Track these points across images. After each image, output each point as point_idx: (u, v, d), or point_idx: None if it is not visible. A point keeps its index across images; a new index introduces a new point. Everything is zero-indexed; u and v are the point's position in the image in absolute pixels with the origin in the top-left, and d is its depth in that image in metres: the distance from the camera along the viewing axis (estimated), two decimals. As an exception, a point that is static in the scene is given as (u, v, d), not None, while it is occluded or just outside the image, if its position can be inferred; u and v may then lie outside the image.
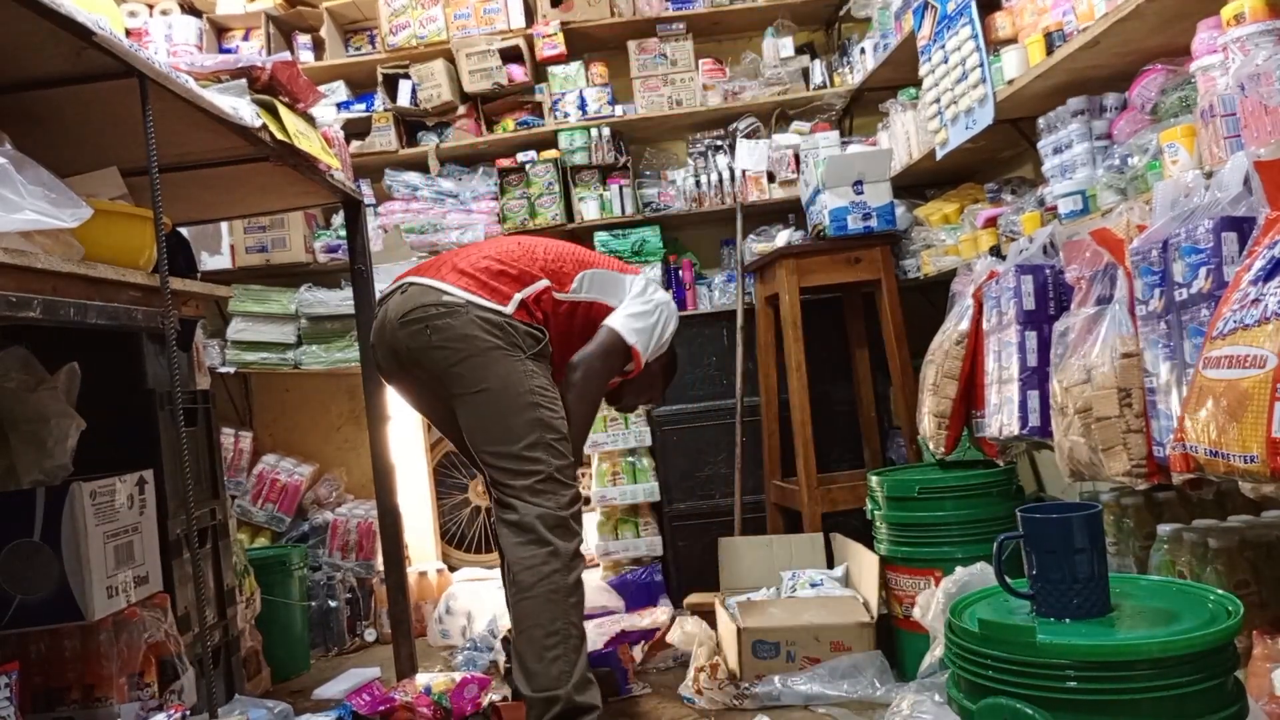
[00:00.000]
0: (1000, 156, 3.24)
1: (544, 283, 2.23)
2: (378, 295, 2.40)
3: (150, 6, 3.95)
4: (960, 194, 3.29)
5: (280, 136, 2.15)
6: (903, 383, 3.13)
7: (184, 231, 2.93)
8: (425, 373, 2.18)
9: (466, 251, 2.30)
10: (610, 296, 2.33)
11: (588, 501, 2.44)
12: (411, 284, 2.20)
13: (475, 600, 3.30)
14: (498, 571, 2.57)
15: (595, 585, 2.96)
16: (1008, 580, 1.39)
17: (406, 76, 3.86)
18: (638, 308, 2.32)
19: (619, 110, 3.87)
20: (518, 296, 2.18)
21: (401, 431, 3.51)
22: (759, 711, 2.26)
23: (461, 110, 3.89)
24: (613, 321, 2.28)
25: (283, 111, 2.21)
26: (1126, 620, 1.29)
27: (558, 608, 2.03)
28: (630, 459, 3.58)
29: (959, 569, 1.98)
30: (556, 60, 3.87)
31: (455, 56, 3.84)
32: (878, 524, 2.48)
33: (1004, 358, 2.16)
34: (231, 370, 3.70)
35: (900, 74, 3.38)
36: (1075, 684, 1.18)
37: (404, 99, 3.85)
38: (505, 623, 3.03)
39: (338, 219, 3.86)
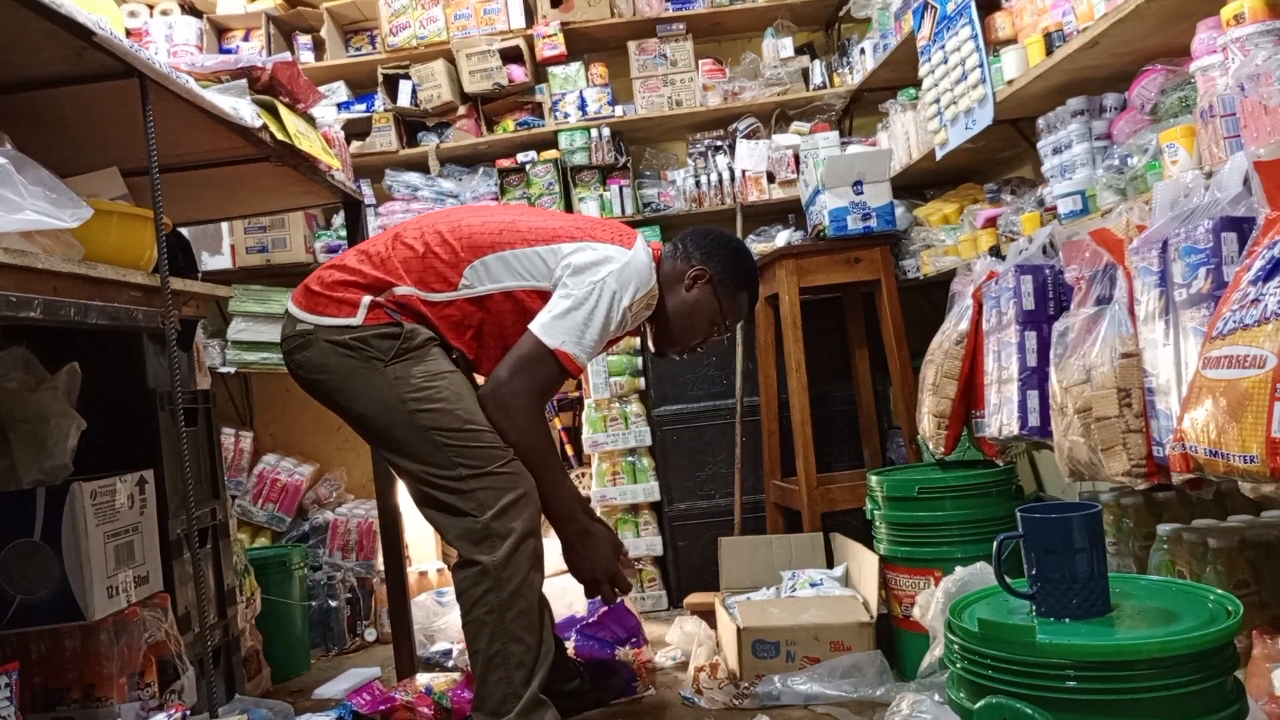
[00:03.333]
0: (1000, 157, 3.24)
1: (406, 289, 2.02)
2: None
3: (150, 7, 3.95)
4: (960, 194, 3.29)
5: (281, 137, 2.15)
6: (902, 383, 3.13)
7: (184, 231, 2.93)
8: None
9: (340, 256, 2.17)
10: (536, 279, 2.05)
11: (587, 501, 2.36)
12: (285, 310, 2.15)
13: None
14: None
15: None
16: (1007, 580, 1.39)
17: (407, 77, 3.86)
18: (560, 302, 2.00)
19: (619, 110, 3.87)
20: (366, 300, 2.01)
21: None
22: (759, 711, 2.26)
23: (462, 110, 3.89)
24: (533, 323, 2.00)
25: (283, 112, 2.21)
26: (1126, 620, 1.29)
27: (493, 630, 1.93)
28: (630, 459, 3.58)
29: (959, 569, 1.97)
30: (556, 60, 3.87)
31: (455, 57, 3.84)
32: (877, 524, 2.48)
33: (1003, 358, 2.16)
34: (232, 370, 3.69)
35: (900, 74, 3.38)
36: (1075, 684, 1.18)
37: (404, 99, 3.85)
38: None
39: (338, 219, 3.86)
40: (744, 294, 2.26)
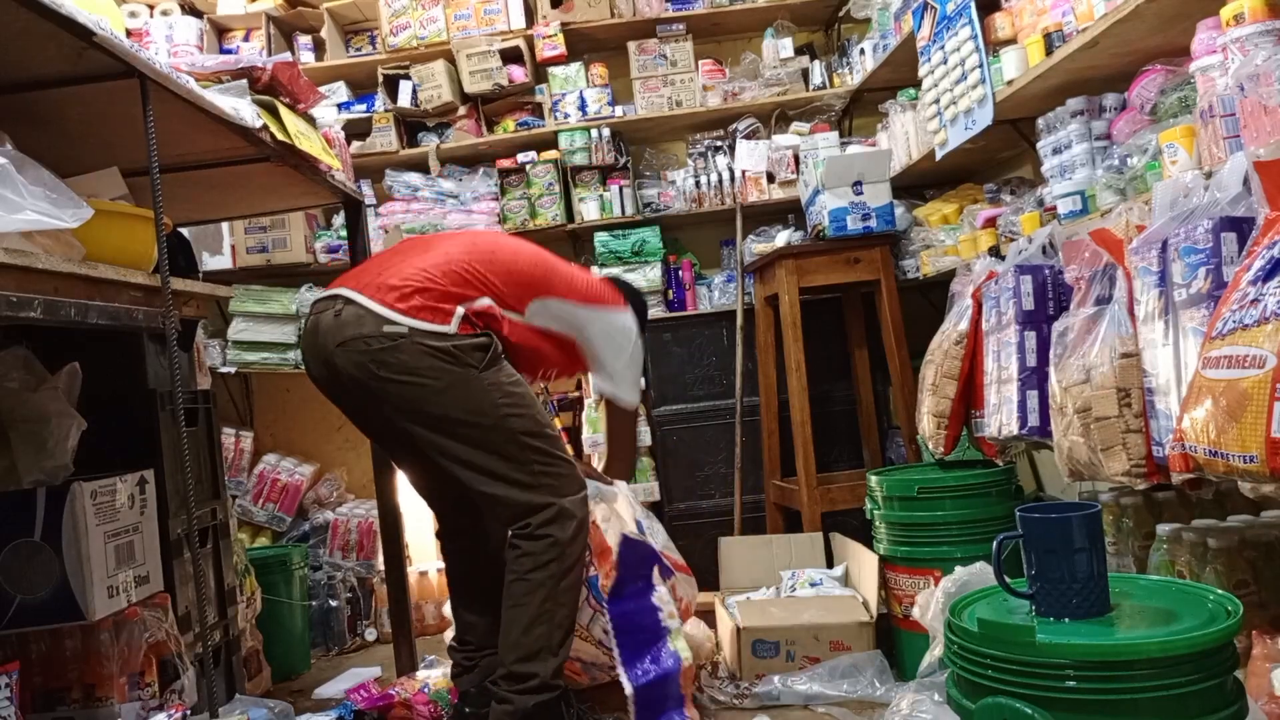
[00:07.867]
0: (999, 157, 3.24)
1: (485, 300, 2.13)
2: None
3: (151, 7, 3.96)
4: (959, 194, 3.29)
5: (281, 137, 2.15)
6: (902, 383, 3.13)
7: (185, 232, 2.93)
8: (374, 402, 2.09)
9: (403, 257, 2.18)
10: (571, 329, 2.29)
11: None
12: (347, 301, 2.07)
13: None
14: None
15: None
16: (1007, 580, 1.39)
17: (407, 77, 3.86)
18: (620, 368, 2.38)
19: (619, 111, 3.87)
20: (460, 311, 2.08)
21: (402, 431, 3.51)
22: (759, 711, 2.26)
23: (462, 111, 3.89)
24: (605, 384, 2.41)
25: (283, 112, 2.21)
26: (1126, 620, 1.29)
27: (549, 591, 2.08)
28: (630, 459, 3.58)
29: (958, 569, 1.98)
30: (557, 61, 3.87)
31: (456, 57, 3.84)
32: (877, 524, 2.49)
33: (1003, 358, 2.17)
34: (232, 370, 3.70)
35: (900, 75, 3.38)
36: (1074, 684, 1.18)
37: (404, 99, 3.85)
38: None
39: (338, 219, 3.87)
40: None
